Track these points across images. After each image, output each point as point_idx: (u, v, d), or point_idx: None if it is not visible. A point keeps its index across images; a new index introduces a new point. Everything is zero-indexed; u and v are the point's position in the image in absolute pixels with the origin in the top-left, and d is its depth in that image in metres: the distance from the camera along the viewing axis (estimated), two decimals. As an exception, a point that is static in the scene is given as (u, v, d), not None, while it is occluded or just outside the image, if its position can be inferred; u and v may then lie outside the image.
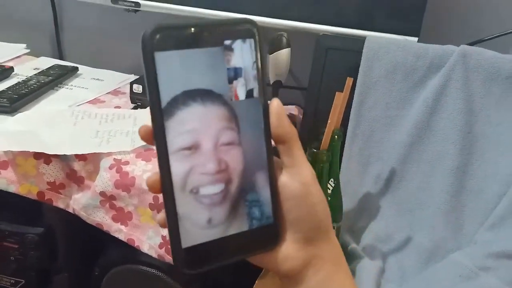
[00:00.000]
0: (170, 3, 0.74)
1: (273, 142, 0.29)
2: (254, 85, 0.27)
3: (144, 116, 0.67)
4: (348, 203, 0.60)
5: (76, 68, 0.82)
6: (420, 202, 0.58)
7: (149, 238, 0.57)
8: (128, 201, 0.57)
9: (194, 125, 0.25)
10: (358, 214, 0.61)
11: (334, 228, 0.59)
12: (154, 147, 0.26)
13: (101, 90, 0.77)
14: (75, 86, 0.78)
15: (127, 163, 0.57)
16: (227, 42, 0.26)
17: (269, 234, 0.28)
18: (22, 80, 0.73)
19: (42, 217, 0.64)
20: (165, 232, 0.56)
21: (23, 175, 0.59)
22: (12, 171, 0.59)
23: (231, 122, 0.27)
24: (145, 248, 0.57)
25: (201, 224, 0.26)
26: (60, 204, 0.61)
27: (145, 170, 0.56)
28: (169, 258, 0.56)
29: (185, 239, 0.26)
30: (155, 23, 0.24)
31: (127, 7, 0.77)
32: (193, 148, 0.25)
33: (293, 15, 0.67)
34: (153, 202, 0.55)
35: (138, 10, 0.77)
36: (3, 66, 0.79)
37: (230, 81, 0.26)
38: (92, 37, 0.95)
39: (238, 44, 0.26)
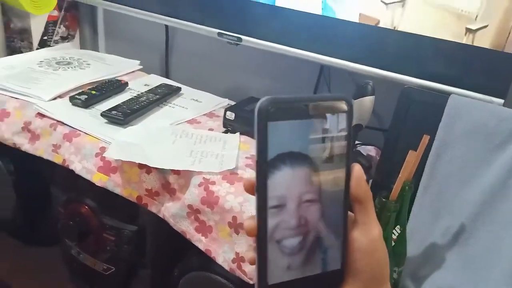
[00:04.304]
0: (268, 41, 0.82)
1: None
2: (342, 152, 0.32)
3: (233, 141, 0.75)
4: (413, 249, 0.62)
5: (179, 88, 0.93)
6: (487, 262, 0.58)
7: (224, 252, 0.64)
8: (210, 216, 0.64)
9: (286, 185, 0.30)
10: (422, 262, 0.63)
11: (395, 272, 0.61)
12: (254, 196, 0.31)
13: (199, 111, 0.86)
14: (177, 105, 0.88)
15: (213, 183, 0.65)
16: (326, 114, 0.31)
17: (335, 278, 0.33)
18: (135, 96, 0.85)
19: (137, 218, 0.74)
20: (238, 249, 0.62)
21: (127, 180, 0.70)
22: (119, 176, 0.70)
23: (316, 182, 0.31)
24: (219, 260, 0.64)
25: (282, 268, 0.31)
26: (153, 209, 0.71)
27: (228, 191, 0.64)
28: (239, 273, 0.62)
29: (269, 278, 0.31)
30: (269, 96, 0.29)
31: (230, 40, 0.86)
32: (282, 205, 0.30)
33: (380, 64, 0.71)
34: (231, 221, 0.62)
35: (239, 44, 0.85)
36: (120, 80, 0.92)
37: (323, 148, 0.31)
38: (196, 61, 1.06)
39: (334, 117, 0.31)
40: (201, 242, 0.66)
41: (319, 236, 0.32)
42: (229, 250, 0.64)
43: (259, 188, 0.30)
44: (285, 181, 0.30)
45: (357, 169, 0.33)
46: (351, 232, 0.33)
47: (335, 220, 0.33)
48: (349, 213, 0.34)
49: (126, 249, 0.73)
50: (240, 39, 0.84)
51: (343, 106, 0.32)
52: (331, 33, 0.76)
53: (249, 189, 0.32)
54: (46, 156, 0.76)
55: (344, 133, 0.32)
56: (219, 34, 0.86)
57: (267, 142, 0.29)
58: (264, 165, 0.30)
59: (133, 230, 0.73)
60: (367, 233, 0.33)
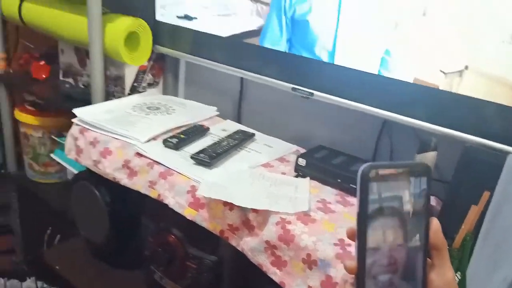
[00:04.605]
0: (338, 96, 0.92)
1: None
2: (422, 207, 0.41)
3: (304, 186, 0.84)
4: (472, 296, 0.68)
5: (253, 134, 1.04)
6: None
7: (297, 285, 0.72)
8: (286, 252, 0.73)
9: (381, 232, 0.39)
10: (481, 308, 0.68)
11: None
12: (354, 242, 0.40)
13: (271, 156, 0.96)
14: (252, 149, 0.99)
15: (289, 222, 0.74)
16: (411, 177, 0.40)
17: None
18: (217, 141, 0.97)
19: (217, 249, 0.84)
20: (311, 283, 0.70)
21: (213, 216, 0.80)
22: (206, 211, 0.81)
23: (403, 230, 0.40)
24: (292, 292, 0.72)
25: None
26: (233, 242, 0.80)
27: (303, 231, 0.72)
28: (310, 306, 0.70)
29: None
30: (369, 163, 0.39)
31: (303, 95, 0.97)
32: (377, 248, 0.39)
33: (444, 122, 0.79)
34: (305, 258, 0.70)
35: (309, 98, 0.96)
36: (202, 126, 1.05)
37: (409, 202, 0.40)
38: (266, 109, 1.18)
39: (417, 179, 0.40)
40: (276, 274, 0.75)
41: (404, 275, 0.41)
42: (302, 284, 0.72)
43: (360, 234, 0.39)
44: (380, 229, 0.39)
45: (435, 223, 0.42)
46: (429, 274, 0.41)
47: (416, 263, 0.41)
48: (428, 259, 0.43)
49: (206, 277, 0.83)
50: (311, 94, 0.95)
51: (424, 171, 0.41)
52: (394, 91, 0.85)
53: (351, 236, 0.41)
54: (143, 190, 0.88)
55: (424, 193, 0.41)
56: (293, 89, 0.98)
57: (367, 198, 0.39)
58: (365, 217, 0.39)
59: (214, 260, 0.83)
60: (443, 276, 0.41)
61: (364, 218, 0.39)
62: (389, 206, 0.40)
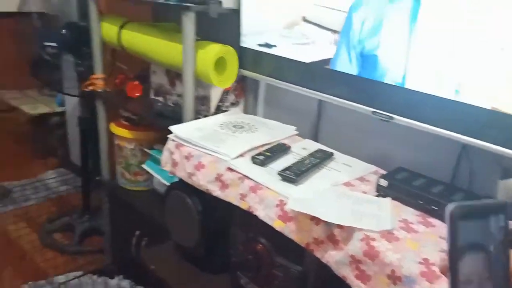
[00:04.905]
0: (417, 121, 0.97)
1: None
2: (503, 240, 0.46)
3: (386, 205, 0.90)
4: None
5: (332, 153, 1.11)
6: None
7: (381, 299, 0.77)
8: (370, 267, 0.79)
9: (471, 265, 0.44)
10: None
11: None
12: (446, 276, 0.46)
13: (351, 175, 1.03)
14: (331, 168, 1.06)
15: (373, 239, 0.80)
16: (491, 214, 0.45)
17: None
18: (300, 159, 1.04)
19: (303, 260, 0.91)
20: (394, 298, 0.75)
21: (300, 229, 0.88)
22: (294, 224, 0.88)
23: (488, 263, 0.45)
24: (376, 305, 0.78)
25: None
26: (318, 254, 0.87)
27: (387, 248, 0.78)
28: (393, 318, 0.75)
29: None
30: (456, 203, 0.45)
31: (382, 118, 1.02)
32: (468, 280, 0.44)
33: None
34: (390, 274, 0.76)
35: (388, 121, 1.01)
36: (285, 144, 1.13)
37: (491, 238, 0.45)
38: (343, 129, 1.25)
39: (496, 216, 0.45)
40: (360, 287, 0.80)
41: None
42: (385, 297, 0.77)
43: (452, 269, 0.45)
44: (470, 263, 0.45)
45: None
46: None
47: None
48: None
49: (291, 286, 0.90)
50: (391, 117, 1.01)
51: (502, 208, 0.46)
52: (473, 117, 0.88)
53: (444, 271, 0.47)
54: (235, 202, 0.98)
55: (503, 228, 0.46)
56: (373, 112, 1.03)
57: (457, 235, 0.45)
58: (455, 252, 0.45)
59: (299, 270, 0.90)
60: None
61: (455, 254, 0.44)
62: (474, 242, 0.45)
